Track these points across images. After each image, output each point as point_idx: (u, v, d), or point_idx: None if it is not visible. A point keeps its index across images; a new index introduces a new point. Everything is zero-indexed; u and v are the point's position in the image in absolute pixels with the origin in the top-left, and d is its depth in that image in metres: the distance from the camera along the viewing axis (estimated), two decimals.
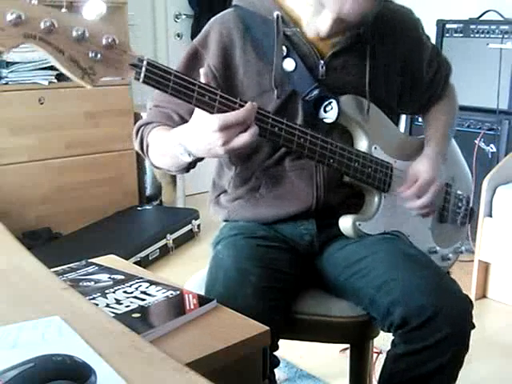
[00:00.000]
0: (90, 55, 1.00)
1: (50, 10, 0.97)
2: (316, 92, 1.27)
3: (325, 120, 1.29)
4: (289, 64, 1.28)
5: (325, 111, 1.29)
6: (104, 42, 1.01)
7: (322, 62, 1.30)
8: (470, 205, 1.56)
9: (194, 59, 1.32)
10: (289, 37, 1.29)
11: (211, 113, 1.09)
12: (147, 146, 1.30)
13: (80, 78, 1.00)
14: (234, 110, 1.09)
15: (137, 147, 1.33)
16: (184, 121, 1.24)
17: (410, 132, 3.03)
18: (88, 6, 1.00)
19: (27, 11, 0.94)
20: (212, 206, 1.48)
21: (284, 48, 1.28)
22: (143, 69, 1.04)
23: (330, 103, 1.28)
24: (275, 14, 1.28)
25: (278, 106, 1.29)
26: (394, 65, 1.37)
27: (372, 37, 1.32)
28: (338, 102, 1.28)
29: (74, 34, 0.98)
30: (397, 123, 1.57)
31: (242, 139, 1.08)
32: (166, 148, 1.22)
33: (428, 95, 1.48)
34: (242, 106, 1.10)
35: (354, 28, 1.28)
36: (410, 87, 1.42)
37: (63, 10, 0.98)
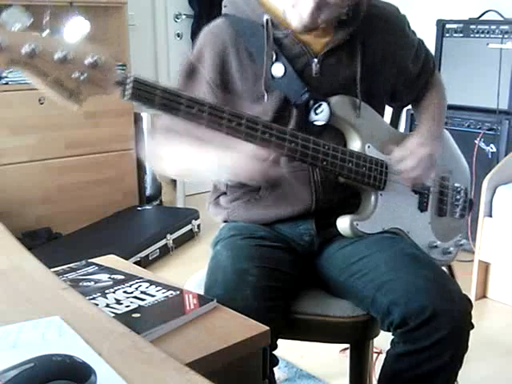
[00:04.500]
0: (75, 76, 1.00)
1: (31, 35, 0.97)
2: (306, 95, 1.28)
3: (316, 122, 1.29)
4: (278, 69, 1.28)
5: (315, 113, 1.29)
6: (87, 61, 1.00)
7: (315, 60, 1.30)
8: (469, 196, 1.56)
9: (190, 74, 1.33)
10: (279, 40, 1.30)
11: (201, 124, 1.11)
12: None
13: (66, 99, 1.00)
14: (222, 119, 1.12)
15: None
16: None
17: (410, 131, 3.02)
18: (70, 28, 1.00)
19: (7, 38, 0.94)
20: (211, 208, 1.49)
21: (273, 54, 1.28)
22: (128, 86, 1.05)
23: (320, 105, 1.28)
24: (264, 18, 1.28)
25: (271, 111, 1.29)
26: (386, 58, 1.38)
27: (362, 34, 1.33)
28: (328, 104, 1.28)
29: (56, 56, 0.98)
30: (397, 120, 1.59)
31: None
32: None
33: (418, 85, 1.49)
34: (230, 115, 1.13)
35: (341, 24, 1.29)
36: (401, 77, 1.43)
37: (46, 32, 0.98)
